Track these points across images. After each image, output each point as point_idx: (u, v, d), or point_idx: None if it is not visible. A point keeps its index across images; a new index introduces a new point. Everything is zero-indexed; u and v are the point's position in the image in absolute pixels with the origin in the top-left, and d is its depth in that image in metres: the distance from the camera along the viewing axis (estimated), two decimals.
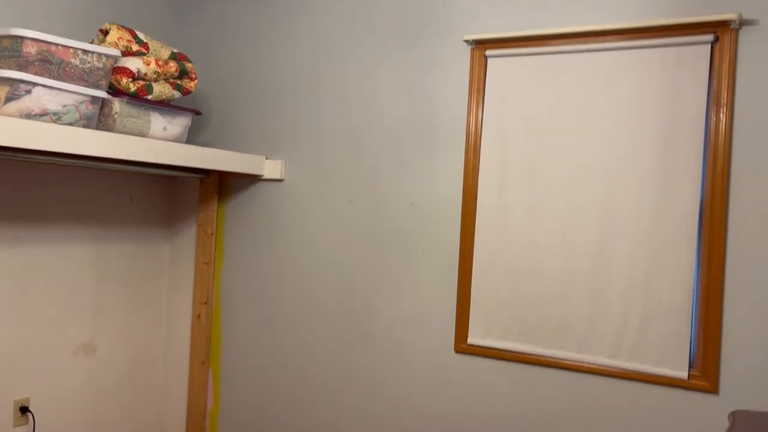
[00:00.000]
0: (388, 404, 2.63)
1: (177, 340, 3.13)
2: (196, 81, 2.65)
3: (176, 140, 2.63)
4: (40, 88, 2.07)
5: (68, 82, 2.15)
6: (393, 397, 2.62)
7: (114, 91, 2.36)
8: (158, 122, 2.52)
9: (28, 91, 2.04)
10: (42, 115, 2.09)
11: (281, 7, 2.94)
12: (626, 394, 2.21)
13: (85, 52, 2.20)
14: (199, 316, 3.05)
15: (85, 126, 2.23)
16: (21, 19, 2.47)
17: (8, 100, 2.01)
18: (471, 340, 2.45)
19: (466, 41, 2.46)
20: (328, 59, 2.81)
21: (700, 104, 2.11)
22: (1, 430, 2.47)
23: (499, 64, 2.42)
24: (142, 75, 2.41)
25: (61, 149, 2.04)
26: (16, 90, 2.02)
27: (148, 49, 2.51)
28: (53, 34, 2.40)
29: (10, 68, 2.04)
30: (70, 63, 2.16)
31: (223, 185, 3.06)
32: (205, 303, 3.03)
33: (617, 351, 2.21)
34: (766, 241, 2.02)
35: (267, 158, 2.92)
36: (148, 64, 2.42)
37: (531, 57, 2.36)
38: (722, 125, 2.08)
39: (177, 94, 2.58)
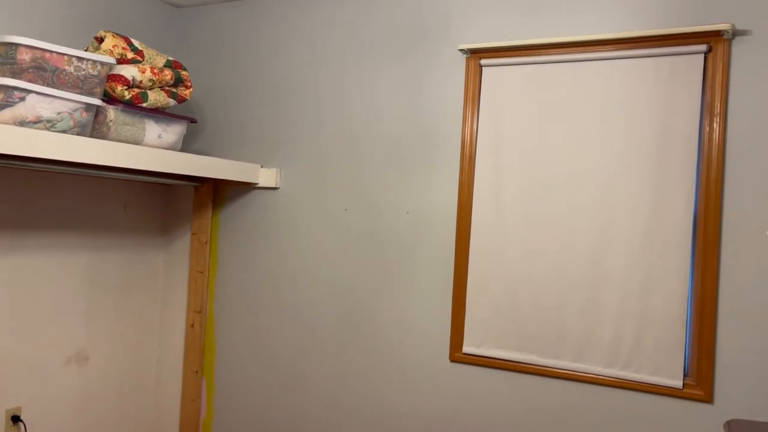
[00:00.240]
0: (384, 413, 2.62)
1: (170, 349, 3.11)
2: (191, 89, 2.65)
3: (171, 148, 2.62)
4: (34, 95, 2.06)
5: (62, 89, 2.15)
6: (388, 405, 2.61)
7: (109, 98, 2.35)
8: (153, 130, 2.52)
9: (22, 99, 2.04)
10: (36, 123, 2.08)
11: (277, 15, 2.94)
12: (622, 402, 2.20)
13: (79, 59, 2.20)
14: (192, 325, 3.03)
15: (79, 133, 2.23)
16: (15, 26, 2.47)
17: (2, 107, 2.00)
18: (466, 349, 2.45)
19: (462, 50, 2.47)
20: (325, 68, 2.82)
21: (694, 114, 2.11)
22: None
23: (494, 73, 2.43)
24: (137, 83, 2.40)
25: (55, 157, 2.03)
26: (9, 97, 2.01)
27: (143, 56, 2.51)
28: (48, 41, 2.40)
29: (3, 75, 2.03)
30: (64, 70, 2.15)
31: (217, 193, 3.05)
32: (199, 312, 3.02)
33: (613, 360, 2.20)
34: (760, 251, 2.03)
35: (262, 166, 2.92)
36: (143, 72, 2.42)
37: (526, 66, 2.37)
38: (716, 135, 2.08)
39: (172, 102, 2.57)
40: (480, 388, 2.44)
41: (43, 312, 2.62)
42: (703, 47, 2.10)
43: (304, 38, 2.87)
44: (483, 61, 2.44)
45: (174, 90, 2.59)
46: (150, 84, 2.46)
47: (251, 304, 2.94)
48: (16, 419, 2.51)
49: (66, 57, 2.15)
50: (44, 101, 2.09)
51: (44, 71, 2.10)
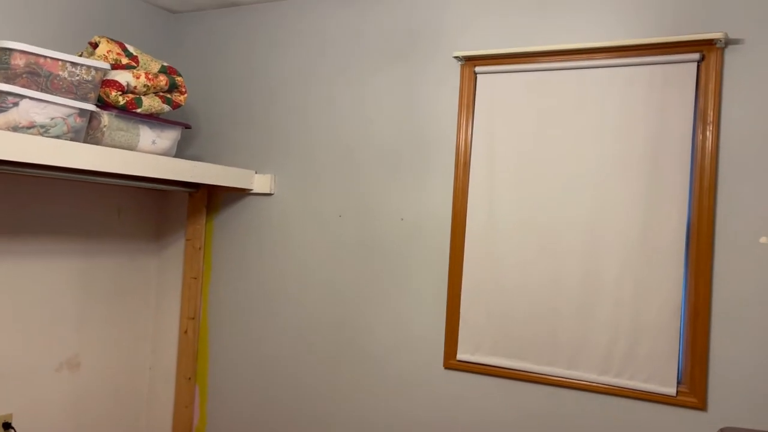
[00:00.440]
0: (378, 420, 2.61)
1: (163, 356, 3.09)
2: (185, 95, 2.65)
3: (165, 154, 2.61)
4: (28, 100, 2.05)
5: (56, 94, 2.14)
6: (382, 412, 2.60)
7: (103, 104, 2.35)
8: (147, 136, 2.51)
9: (16, 104, 2.03)
10: (29, 128, 2.07)
11: (272, 21, 2.95)
12: (615, 410, 2.20)
13: (73, 64, 2.19)
14: (186, 332, 3.02)
15: (72, 139, 2.22)
16: (9, 31, 2.46)
17: None
18: (460, 356, 2.44)
19: (456, 57, 2.47)
20: (319, 74, 2.82)
21: (687, 122, 2.13)
22: None
23: (488, 81, 2.44)
24: (131, 88, 2.40)
25: (48, 162, 2.02)
26: (3, 102, 2.00)
27: (137, 62, 2.50)
28: (42, 46, 2.39)
29: None
30: (58, 75, 2.15)
31: (212, 199, 3.04)
32: (193, 318, 3.01)
33: (606, 367, 2.20)
34: (753, 258, 2.04)
35: (256, 172, 2.92)
36: (137, 78, 2.42)
37: (520, 74, 2.38)
38: (709, 143, 2.09)
39: (166, 107, 2.57)
40: (474, 395, 2.43)
41: (35, 318, 2.60)
42: (696, 56, 2.11)
43: (299, 44, 2.88)
44: (478, 69, 2.45)
45: (168, 96, 2.58)
46: (144, 89, 2.45)
47: (245, 311, 2.93)
48: (7, 426, 2.49)
49: (60, 62, 2.15)
50: (38, 106, 2.08)
51: (38, 76, 2.09)
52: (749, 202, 2.05)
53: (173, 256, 3.10)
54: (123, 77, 2.37)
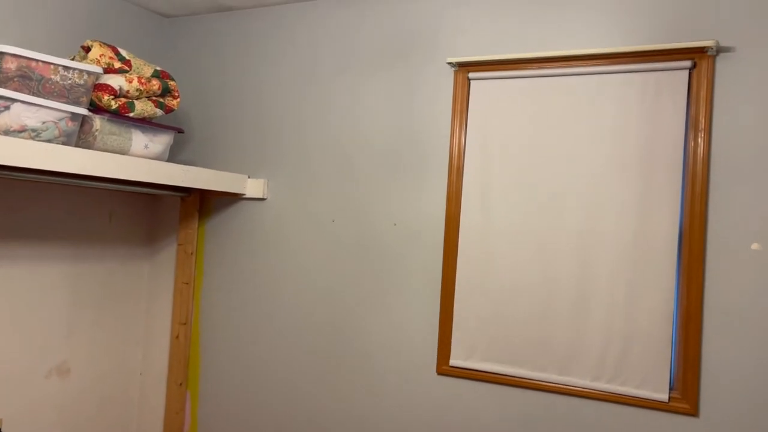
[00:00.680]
0: (370, 426, 2.60)
1: (154, 362, 3.07)
2: (178, 99, 2.64)
3: (158, 158, 2.60)
4: (19, 104, 2.04)
5: (48, 98, 2.13)
6: (375, 418, 2.59)
7: (95, 108, 2.34)
8: (140, 140, 2.50)
9: (7, 107, 2.02)
10: (20, 132, 2.06)
11: (266, 26, 2.95)
12: (608, 416, 2.20)
13: (66, 68, 2.18)
14: (177, 337, 3.00)
15: (64, 143, 2.21)
16: (1, 34, 2.45)
17: None
18: (453, 361, 2.44)
19: (450, 63, 2.48)
20: (313, 79, 2.82)
21: (679, 129, 2.14)
22: None
23: (481, 87, 2.44)
24: (124, 92, 2.39)
25: (40, 166, 2.01)
26: None
27: (130, 66, 2.49)
28: (34, 50, 2.38)
29: None
30: (50, 79, 2.14)
31: (204, 204, 3.03)
32: (184, 323, 2.99)
33: (598, 373, 2.21)
34: (745, 264, 2.05)
35: (249, 177, 2.91)
36: (130, 82, 2.41)
37: (513, 80, 2.39)
38: (700, 150, 2.11)
39: (159, 111, 2.56)
40: (467, 401, 2.43)
41: (24, 323, 2.58)
42: (688, 63, 2.13)
43: (292, 49, 2.88)
44: (471, 75, 2.46)
45: (161, 100, 2.57)
46: (137, 94, 2.44)
47: (237, 316, 2.91)
48: None
49: (52, 66, 2.14)
50: (29, 110, 2.07)
51: (30, 80, 2.08)
52: (741, 209, 2.06)
53: (165, 261, 3.08)
54: (115, 81, 2.36)
